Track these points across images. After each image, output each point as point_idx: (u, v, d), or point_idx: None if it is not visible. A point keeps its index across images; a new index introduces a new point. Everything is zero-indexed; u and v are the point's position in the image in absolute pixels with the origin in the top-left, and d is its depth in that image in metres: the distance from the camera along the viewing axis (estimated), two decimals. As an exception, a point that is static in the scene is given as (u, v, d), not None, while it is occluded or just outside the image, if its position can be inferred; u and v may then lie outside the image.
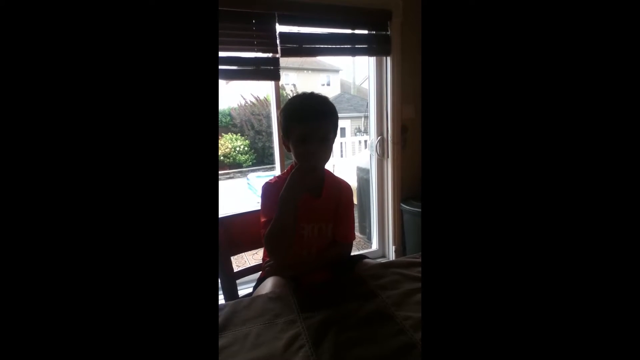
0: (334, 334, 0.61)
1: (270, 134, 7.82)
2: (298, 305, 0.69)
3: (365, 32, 1.88)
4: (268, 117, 7.87)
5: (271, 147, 7.84)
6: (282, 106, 1.84)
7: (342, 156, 5.84)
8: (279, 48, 1.67)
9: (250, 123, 8.07)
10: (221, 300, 1.02)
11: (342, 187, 1.00)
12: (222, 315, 0.65)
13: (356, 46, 1.90)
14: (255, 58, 1.66)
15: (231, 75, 1.70)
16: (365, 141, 4.84)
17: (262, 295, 0.75)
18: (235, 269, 1.05)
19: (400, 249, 2.19)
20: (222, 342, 0.59)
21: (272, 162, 7.46)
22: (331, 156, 0.93)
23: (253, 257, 2.38)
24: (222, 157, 7.65)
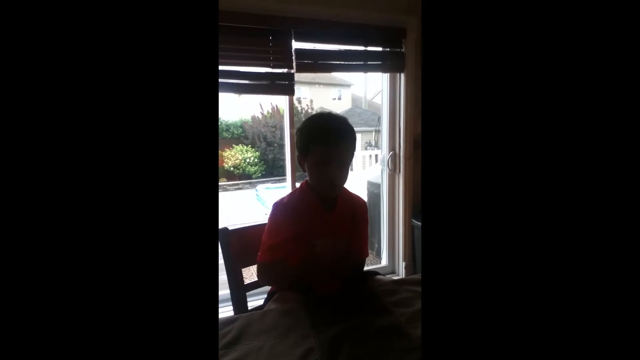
0: (347, 349, 0.60)
1: (282, 146, 7.88)
2: (311, 319, 0.69)
3: (380, 49, 1.91)
4: (281, 129, 7.95)
5: (281, 159, 7.91)
6: (295, 120, 1.88)
7: (351, 170, 5.83)
8: (294, 63, 1.70)
9: (263, 135, 8.14)
10: (231, 312, 1.02)
11: (356, 203, 1.00)
12: (236, 328, 0.65)
13: (370, 62, 1.93)
14: (271, 73, 1.70)
15: (246, 89, 1.73)
16: (376, 155, 4.85)
17: (274, 309, 0.75)
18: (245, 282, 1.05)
19: (411, 265, 2.17)
20: (235, 354, 0.59)
21: (282, 173, 7.52)
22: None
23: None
24: (232, 168, 7.72)
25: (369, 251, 3.03)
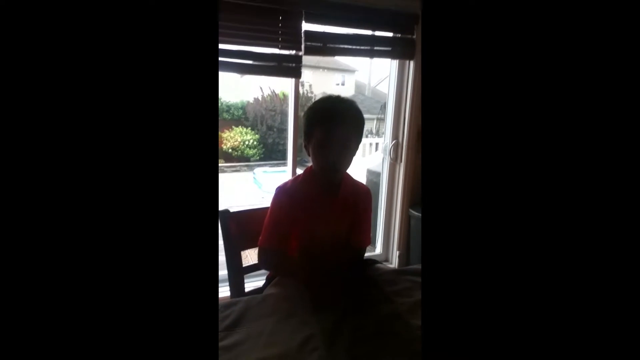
0: (347, 337, 0.60)
1: (282, 131, 7.81)
2: (311, 306, 0.69)
3: (390, 34, 1.86)
4: (282, 113, 7.87)
5: (280, 144, 7.87)
6: (301, 103, 1.85)
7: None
8: (302, 46, 1.66)
9: (263, 118, 8.07)
10: (227, 293, 1.02)
11: (360, 190, 0.98)
12: (236, 311, 0.65)
13: (380, 48, 1.88)
14: (278, 54, 1.66)
15: (252, 70, 1.69)
16: (377, 144, 4.82)
17: (274, 293, 0.74)
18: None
19: (404, 255, 2.18)
20: (235, 338, 0.59)
21: (281, 157, 7.48)
22: (352, 161, 0.90)
23: (255, 253, 2.37)
24: (230, 150, 7.66)
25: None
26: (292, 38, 1.64)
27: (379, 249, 2.29)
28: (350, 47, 1.82)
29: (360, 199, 0.97)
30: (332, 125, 0.82)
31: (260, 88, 8.14)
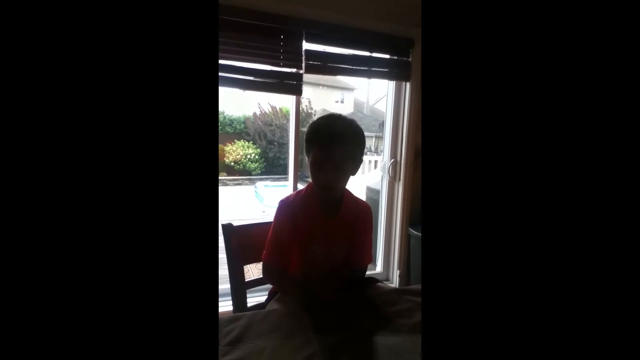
0: (349, 357, 0.60)
1: (282, 145, 7.86)
2: (313, 324, 0.69)
3: (387, 56, 1.92)
4: (282, 128, 7.94)
5: (281, 158, 7.90)
6: (301, 119, 1.88)
7: (353, 175, 5.84)
8: (303, 64, 1.71)
9: (263, 133, 8.14)
10: (229, 307, 1.01)
11: (360, 208, 0.98)
12: (239, 326, 0.65)
13: (377, 69, 1.94)
14: (280, 72, 1.70)
15: (254, 86, 1.73)
16: (376, 161, 4.86)
17: (276, 309, 0.75)
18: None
19: (405, 274, 2.17)
20: (238, 354, 0.59)
21: (282, 172, 7.49)
22: (348, 180, 0.91)
23: (256, 267, 2.36)
24: (232, 163, 7.69)
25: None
26: (293, 57, 1.70)
27: (379, 268, 2.28)
28: (349, 67, 1.87)
29: (359, 218, 0.96)
30: (326, 145, 0.82)
31: (259, 104, 8.24)
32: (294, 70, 1.71)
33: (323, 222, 0.91)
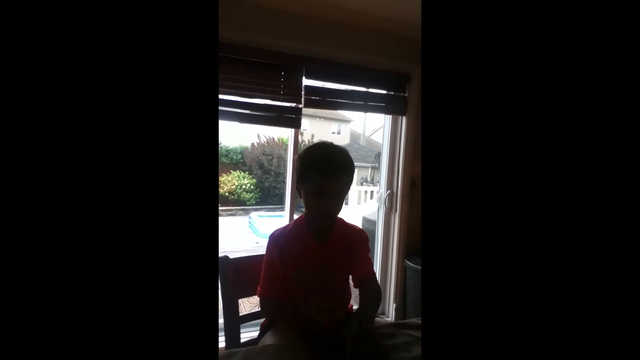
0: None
1: (278, 174, 7.89)
2: (310, 358, 0.68)
3: (384, 92, 2.00)
4: (279, 158, 8.01)
5: (277, 188, 7.90)
6: (298, 150, 1.92)
7: (346, 204, 5.85)
8: (302, 99, 1.77)
9: (260, 162, 8.20)
10: (222, 343, 0.99)
11: (353, 232, 0.99)
12: (234, 362, 0.64)
13: (374, 104, 2.01)
14: (280, 106, 1.76)
15: (254, 120, 1.78)
16: (372, 192, 4.88)
17: (272, 344, 0.73)
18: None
19: (401, 308, 2.13)
20: (233, 391, 0.57)
21: (277, 202, 7.47)
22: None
23: (249, 302, 2.31)
24: (227, 194, 7.68)
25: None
26: (292, 91, 1.76)
27: (374, 300, 2.24)
28: (347, 101, 1.94)
29: (353, 239, 0.97)
30: (332, 174, 0.85)
31: (258, 135, 8.38)
32: (293, 104, 1.77)
33: (314, 250, 0.92)
